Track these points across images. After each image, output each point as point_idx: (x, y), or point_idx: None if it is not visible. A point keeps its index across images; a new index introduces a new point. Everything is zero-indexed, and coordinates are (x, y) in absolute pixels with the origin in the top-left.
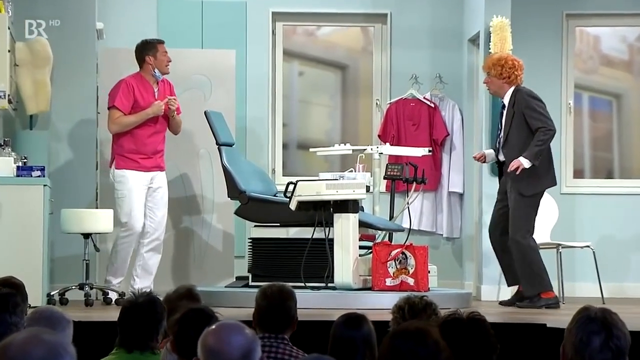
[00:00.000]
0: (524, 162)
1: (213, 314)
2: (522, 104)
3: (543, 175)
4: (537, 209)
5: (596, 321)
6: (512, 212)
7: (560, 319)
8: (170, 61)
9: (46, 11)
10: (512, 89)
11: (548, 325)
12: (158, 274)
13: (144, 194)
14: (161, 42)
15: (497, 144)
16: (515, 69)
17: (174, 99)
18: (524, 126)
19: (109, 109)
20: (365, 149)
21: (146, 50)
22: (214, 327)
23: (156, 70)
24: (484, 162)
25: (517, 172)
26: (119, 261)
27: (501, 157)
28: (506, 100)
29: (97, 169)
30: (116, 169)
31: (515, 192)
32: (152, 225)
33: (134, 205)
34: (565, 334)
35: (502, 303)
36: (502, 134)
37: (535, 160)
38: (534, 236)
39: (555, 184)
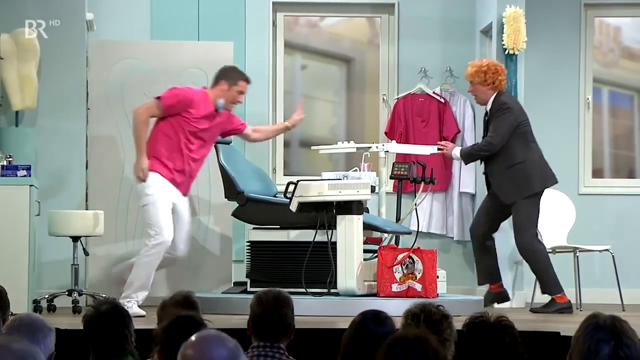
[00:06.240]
0: (454, 152)
1: (202, 321)
2: (495, 108)
3: (533, 177)
4: (538, 208)
5: (605, 329)
6: (513, 217)
7: (574, 327)
8: (239, 102)
9: (35, 4)
10: (495, 94)
11: (562, 334)
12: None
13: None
14: (248, 80)
15: None
16: (499, 73)
17: None
18: None
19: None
20: (370, 147)
21: (227, 77)
22: (193, 338)
23: (220, 100)
24: (449, 157)
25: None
26: (145, 275)
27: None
28: (489, 107)
29: (86, 168)
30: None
31: (509, 201)
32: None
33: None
34: (573, 342)
35: (533, 310)
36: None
37: (463, 159)
38: (544, 239)
39: (552, 183)
